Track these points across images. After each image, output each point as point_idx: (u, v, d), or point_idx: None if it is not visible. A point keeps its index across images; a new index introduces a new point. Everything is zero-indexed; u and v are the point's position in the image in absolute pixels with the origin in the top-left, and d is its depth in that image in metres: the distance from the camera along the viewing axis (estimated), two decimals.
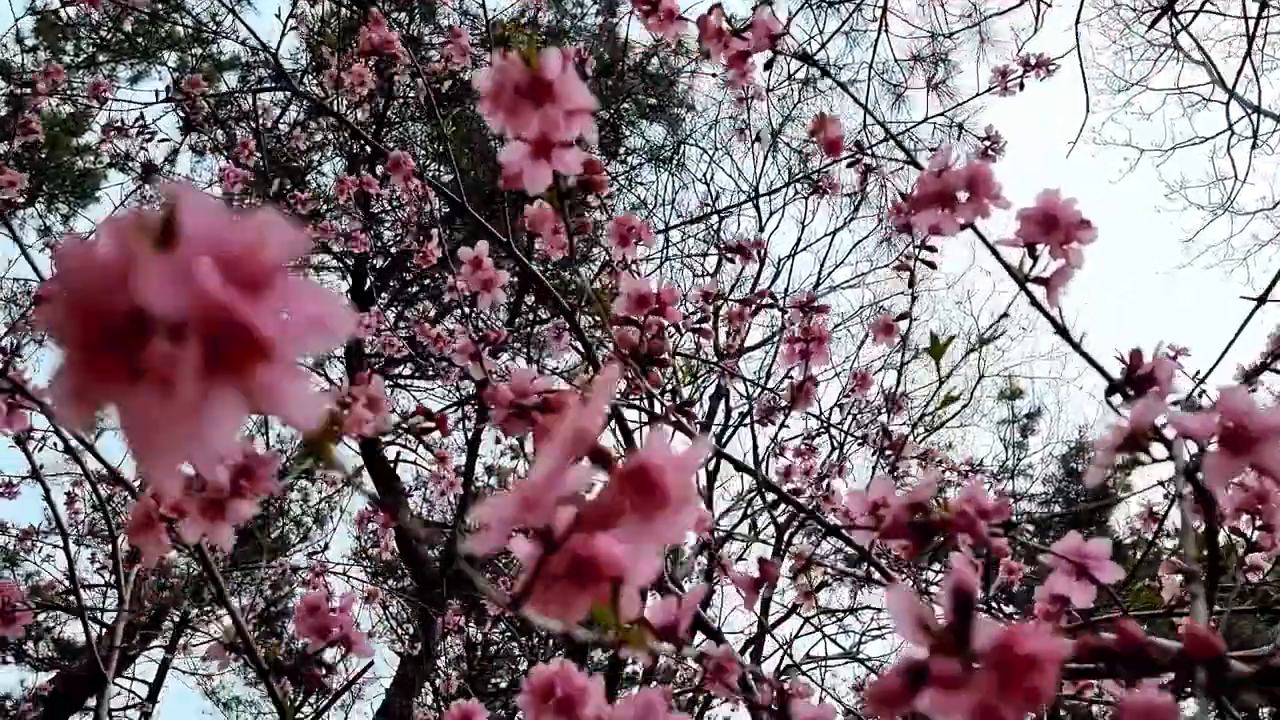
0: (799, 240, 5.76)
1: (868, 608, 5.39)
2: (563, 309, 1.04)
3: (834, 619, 5.12)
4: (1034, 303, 0.69)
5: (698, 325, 1.06)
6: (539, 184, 0.54)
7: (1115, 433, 0.44)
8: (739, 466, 0.90)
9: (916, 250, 1.08)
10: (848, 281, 6.39)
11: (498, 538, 0.33)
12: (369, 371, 0.89)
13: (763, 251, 1.50)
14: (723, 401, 5.16)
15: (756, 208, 5.79)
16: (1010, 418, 7.64)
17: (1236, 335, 1.22)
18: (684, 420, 0.80)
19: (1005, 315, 1.31)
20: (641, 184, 5.61)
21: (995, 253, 0.72)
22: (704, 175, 5.80)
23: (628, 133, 5.32)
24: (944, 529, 0.53)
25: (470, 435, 5.29)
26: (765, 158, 4.82)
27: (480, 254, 0.97)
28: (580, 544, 0.37)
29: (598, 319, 0.80)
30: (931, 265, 1.09)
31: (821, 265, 6.15)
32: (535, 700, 0.59)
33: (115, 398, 0.20)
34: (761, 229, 6.00)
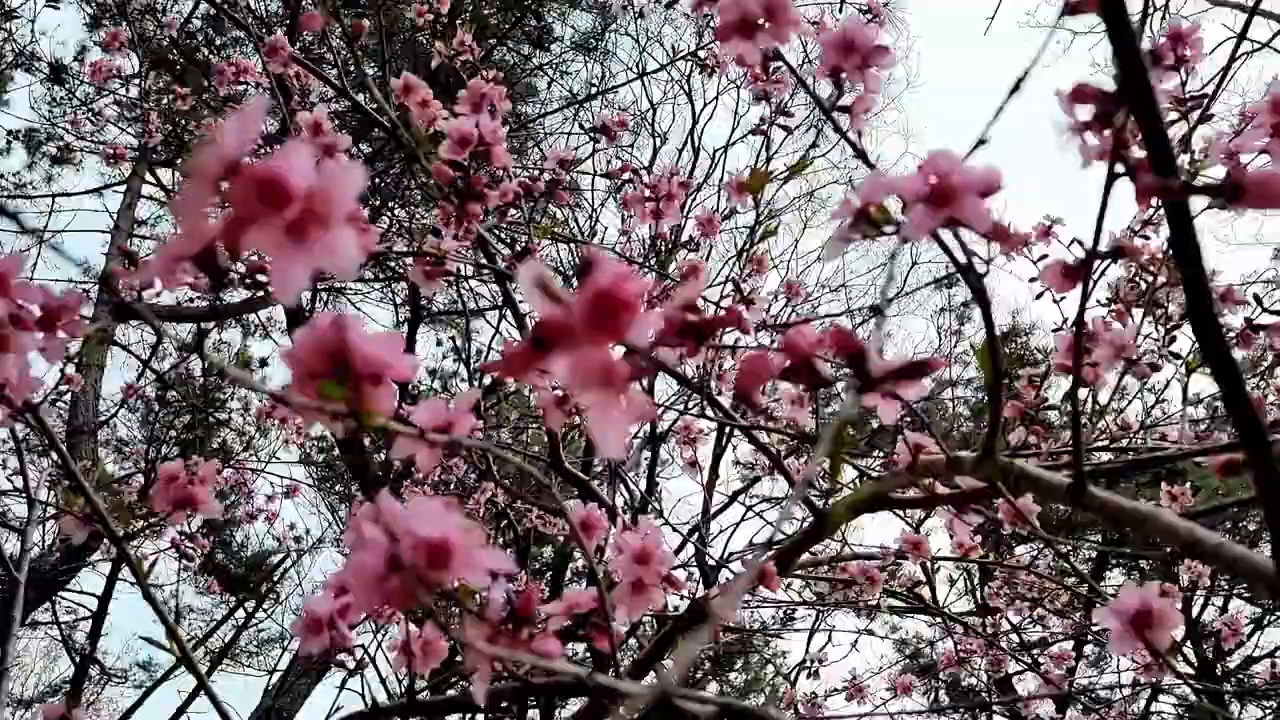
0: (732, 132, 5.69)
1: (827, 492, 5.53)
2: (415, 160, 1.03)
3: (775, 506, 5.26)
4: (837, 129, 0.69)
5: (550, 188, 1.05)
6: None
7: (844, 208, 0.45)
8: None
9: (773, 115, 1.09)
10: (783, 173, 6.36)
11: (168, 272, 0.33)
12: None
13: (626, 129, 1.47)
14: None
15: (688, 95, 5.71)
16: (946, 305, 7.74)
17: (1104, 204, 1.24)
18: (520, 264, 0.80)
19: (815, 145, 1.31)
20: (567, 74, 5.48)
21: (802, 82, 0.72)
22: (636, 64, 5.68)
23: (552, 18, 5.18)
24: (713, 326, 0.54)
25: (404, 336, 5.27)
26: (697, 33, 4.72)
27: (318, 119, 0.95)
28: (335, 343, 0.38)
29: (418, 154, 0.79)
30: (787, 129, 1.11)
31: (757, 158, 6.11)
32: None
33: None
34: (695, 121, 5.94)
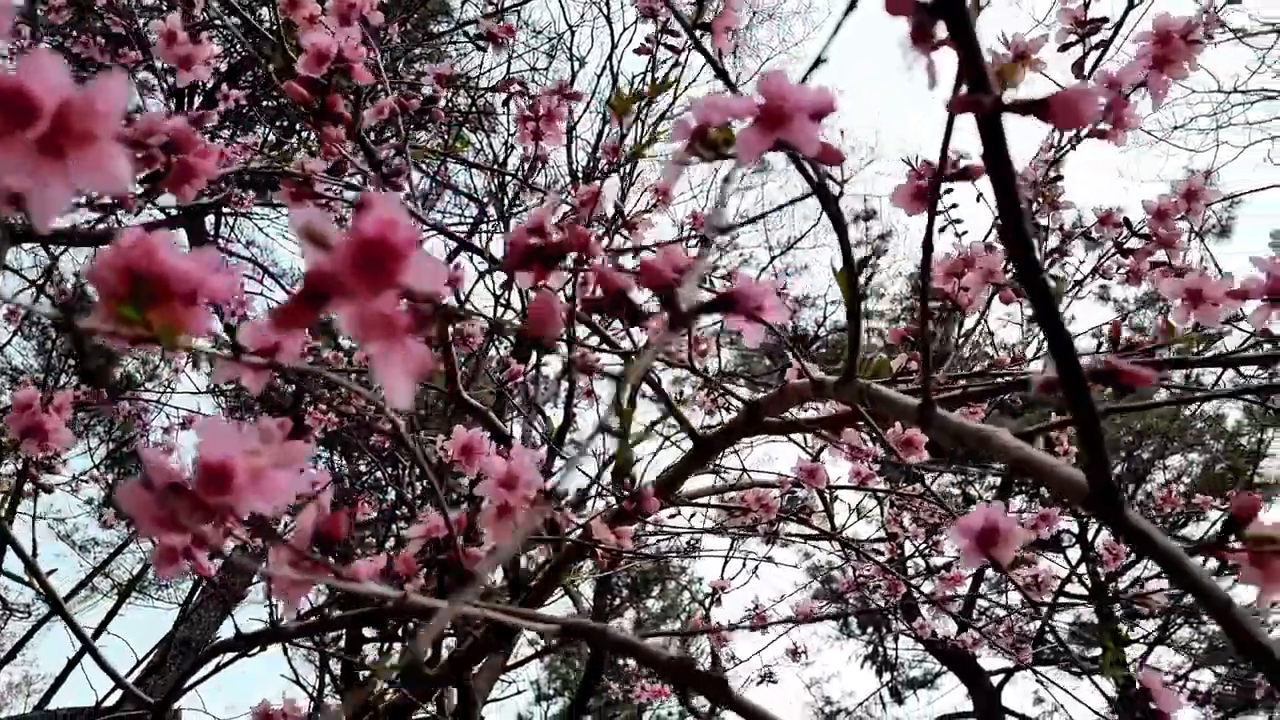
0: (652, 56, 5.59)
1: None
2: (271, 75, 0.98)
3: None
4: (699, 47, 0.68)
5: (428, 106, 1.02)
6: None
7: (680, 129, 0.44)
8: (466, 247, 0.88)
9: (658, 34, 1.07)
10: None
11: None
12: None
13: (513, 35, 1.43)
14: None
15: (607, 19, 5.60)
16: (863, 239, 7.84)
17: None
18: (389, 186, 0.78)
19: (678, 64, 1.31)
20: None
21: (670, 5, 0.71)
22: None
23: None
24: (560, 250, 0.53)
25: None
26: None
27: (173, 27, 0.89)
28: (139, 262, 0.35)
29: (272, 73, 0.75)
30: (673, 49, 1.09)
31: (677, 86, 6.04)
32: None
33: None
34: (614, 45, 5.84)
